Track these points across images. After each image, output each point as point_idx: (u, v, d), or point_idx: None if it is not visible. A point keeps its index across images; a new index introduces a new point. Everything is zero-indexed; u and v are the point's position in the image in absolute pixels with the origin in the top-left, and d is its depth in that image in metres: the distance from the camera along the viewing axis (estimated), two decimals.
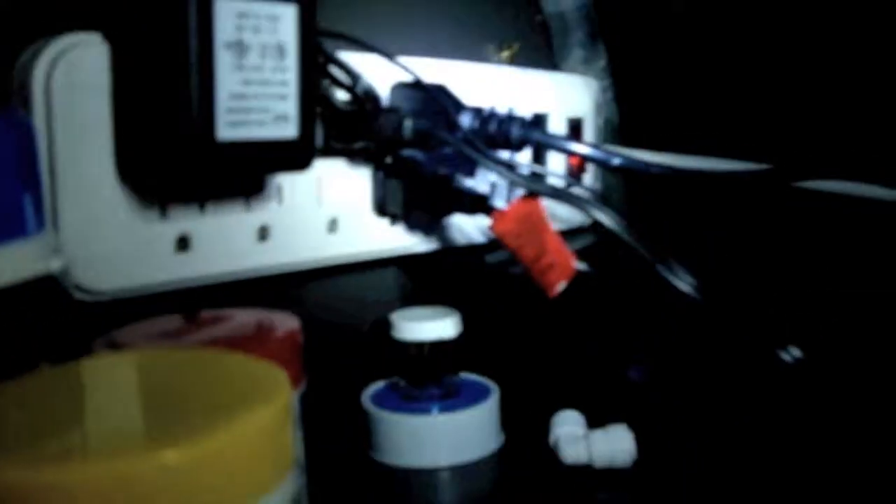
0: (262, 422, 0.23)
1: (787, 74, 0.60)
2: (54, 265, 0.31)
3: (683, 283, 0.42)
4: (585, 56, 0.73)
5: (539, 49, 0.70)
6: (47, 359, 0.30)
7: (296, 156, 0.40)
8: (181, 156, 0.36)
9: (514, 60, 0.64)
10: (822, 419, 0.43)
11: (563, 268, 0.45)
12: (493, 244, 0.59)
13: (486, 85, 0.59)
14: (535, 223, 0.45)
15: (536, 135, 0.47)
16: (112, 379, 0.28)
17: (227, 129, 0.37)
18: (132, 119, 0.38)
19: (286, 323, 0.37)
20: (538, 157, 0.60)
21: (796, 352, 0.41)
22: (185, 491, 0.21)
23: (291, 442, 0.25)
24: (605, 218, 0.42)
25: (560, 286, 0.46)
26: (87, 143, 0.39)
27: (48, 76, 0.37)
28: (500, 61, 0.64)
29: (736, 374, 0.47)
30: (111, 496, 0.20)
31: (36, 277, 0.30)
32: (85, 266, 0.39)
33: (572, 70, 0.72)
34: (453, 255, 0.59)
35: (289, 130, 0.40)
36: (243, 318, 0.38)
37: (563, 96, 0.66)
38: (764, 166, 0.46)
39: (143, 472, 0.21)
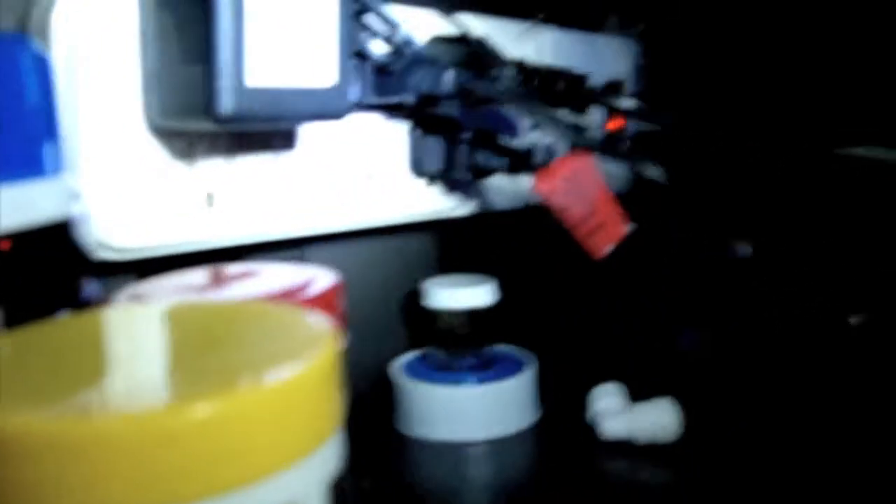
0: (307, 376, 0.21)
1: (817, 45, 0.58)
2: (73, 210, 0.29)
3: (742, 246, 0.40)
4: (622, 21, 0.70)
5: (577, 10, 0.67)
6: (67, 307, 0.28)
7: (332, 104, 0.38)
8: (212, 102, 0.34)
9: (551, 20, 0.61)
10: (887, 390, 0.40)
11: (612, 229, 0.43)
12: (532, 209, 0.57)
13: (523, 43, 0.57)
14: (584, 181, 0.42)
15: (582, 90, 0.44)
16: (139, 329, 0.25)
17: (261, 75, 0.35)
18: (161, 64, 0.36)
19: (324, 278, 0.35)
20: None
21: (859, 318, 0.38)
22: (218, 450, 0.19)
23: (337, 401, 0.22)
24: (659, 175, 0.40)
25: (607, 249, 0.43)
26: (113, 89, 0.37)
27: (72, 14, 0.35)
28: (536, 20, 0.61)
29: (792, 344, 0.45)
30: (134, 452, 0.18)
31: (54, 222, 0.27)
32: (108, 221, 0.37)
33: (610, 33, 0.69)
34: (492, 220, 0.57)
35: (326, 78, 0.37)
36: (277, 272, 0.36)
37: (601, 57, 0.63)
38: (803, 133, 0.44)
39: (171, 426, 0.18)
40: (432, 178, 0.50)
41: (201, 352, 0.22)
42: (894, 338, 0.39)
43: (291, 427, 0.20)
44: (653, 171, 0.39)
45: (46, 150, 0.27)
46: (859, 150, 0.44)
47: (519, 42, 0.55)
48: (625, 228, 0.43)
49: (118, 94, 0.37)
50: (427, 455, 0.48)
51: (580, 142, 0.42)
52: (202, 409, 0.18)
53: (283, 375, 0.20)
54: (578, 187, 0.43)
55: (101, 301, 0.30)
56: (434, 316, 0.51)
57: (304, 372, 0.21)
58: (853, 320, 0.38)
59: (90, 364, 0.22)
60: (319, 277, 0.34)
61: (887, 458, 0.40)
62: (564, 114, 0.43)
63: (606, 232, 0.43)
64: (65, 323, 0.25)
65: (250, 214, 0.42)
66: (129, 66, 0.37)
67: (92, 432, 0.18)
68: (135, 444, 0.18)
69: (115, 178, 0.37)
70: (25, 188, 0.26)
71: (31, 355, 0.22)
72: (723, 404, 0.48)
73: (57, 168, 0.28)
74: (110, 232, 0.37)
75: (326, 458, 0.21)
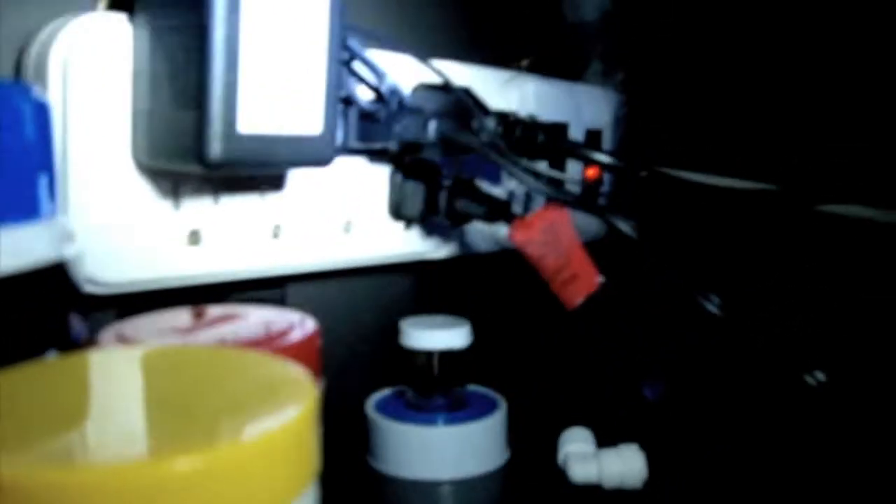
0: (287, 427, 0.22)
1: (804, 96, 0.59)
2: (68, 252, 0.29)
3: (707, 301, 0.41)
4: (604, 69, 0.72)
5: (558, 59, 0.69)
6: (55, 347, 0.28)
7: (319, 152, 0.39)
8: (202, 147, 0.35)
9: (533, 69, 0.62)
10: (845, 444, 0.42)
11: (585, 281, 0.44)
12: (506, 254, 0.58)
13: (506, 92, 0.58)
14: (559, 232, 0.44)
15: (563, 142, 0.45)
16: (123, 373, 0.26)
17: (250, 122, 0.36)
18: (152, 105, 0.37)
19: (303, 324, 0.36)
20: (556, 167, 0.59)
21: (820, 375, 0.40)
22: (198, 502, 0.19)
23: (315, 449, 0.23)
24: (630, 230, 0.41)
25: (581, 299, 0.45)
26: (104, 127, 0.38)
27: (67, 55, 0.36)
28: (518, 69, 0.63)
29: (756, 396, 0.46)
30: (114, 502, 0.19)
31: (47, 264, 0.28)
32: (95, 256, 0.38)
33: (591, 82, 0.71)
34: (468, 263, 0.58)
35: (313, 126, 0.38)
36: (258, 316, 0.37)
37: (582, 107, 0.65)
38: (784, 187, 0.45)
39: (152, 479, 0.19)
40: (411, 222, 0.51)
41: (184, 399, 0.23)
42: (853, 398, 0.41)
43: (271, 479, 0.21)
44: (624, 226, 0.40)
45: (42, 192, 0.28)
46: (839, 208, 0.45)
47: (503, 91, 0.56)
48: (597, 280, 0.45)
49: (108, 133, 0.38)
50: (398, 492, 0.49)
51: (558, 195, 0.44)
52: (184, 463, 0.19)
53: (263, 429, 0.21)
54: (554, 238, 0.44)
55: (88, 340, 0.31)
56: (409, 355, 0.52)
57: (283, 425, 0.22)
58: (811, 380, 0.40)
59: (75, 408, 0.23)
60: (298, 323, 0.35)
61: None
62: (543, 166, 0.45)
63: (580, 283, 0.44)
64: (51, 364, 0.26)
65: (235, 253, 0.43)
66: (120, 106, 0.38)
67: (74, 481, 0.18)
68: (115, 495, 0.18)
69: (102, 215, 0.38)
70: (21, 231, 0.27)
71: (15, 397, 0.23)
72: (686, 452, 0.49)
73: (52, 210, 0.29)
74: (97, 267, 0.38)
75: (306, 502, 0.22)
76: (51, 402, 0.23)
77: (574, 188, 0.51)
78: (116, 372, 0.26)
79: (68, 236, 0.30)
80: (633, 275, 0.49)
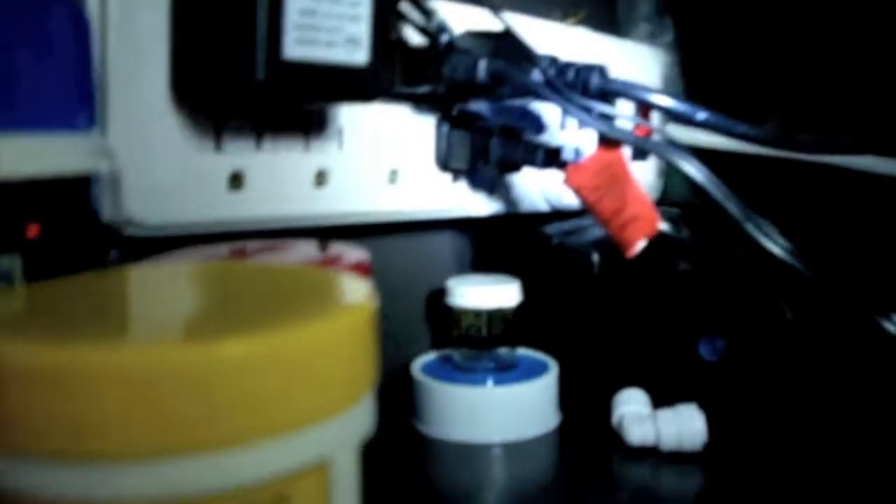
0: (344, 329, 0.20)
1: (855, 55, 0.57)
2: (102, 166, 0.28)
3: (776, 246, 0.39)
4: (652, 30, 0.70)
5: (606, 20, 0.67)
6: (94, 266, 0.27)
7: (365, 85, 0.37)
8: (246, 73, 0.33)
9: (584, 23, 0.60)
10: None
11: (645, 223, 0.42)
12: (556, 213, 0.56)
13: (556, 45, 0.56)
14: (616, 174, 0.42)
15: (617, 84, 0.43)
16: (170, 284, 0.24)
17: (296, 47, 0.34)
18: (192, 33, 0.35)
19: (353, 253, 0.34)
20: None
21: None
22: (247, 394, 0.18)
23: (373, 357, 0.21)
24: (695, 170, 0.39)
25: (641, 244, 0.42)
26: (142, 60, 0.36)
27: None
28: (571, 22, 0.61)
29: (822, 354, 0.44)
30: (155, 387, 0.17)
31: (84, 175, 0.27)
32: (134, 196, 0.36)
33: (639, 41, 0.68)
34: (517, 221, 0.56)
35: (359, 56, 0.36)
36: (304, 247, 0.35)
37: (631, 65, 0.63)
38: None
39: (197, 362, 0.17)
40: (458, 174, 0.50)
41: (234, 304, 0.22)
42: None
43: (326, 379, 0.19)
44: (693, 167, 0.38)
45: (80, 104, 0.27)
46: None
47: (551, 43, 0.54)
48: (658, 223, 0.42)
49: (148, 63, 0.36)
50: (444, 456, 0.47)
51: (616, 133, 0.41)
52: (232, 348, 0.17)
53: (319, 324, 0.19)
54: (610, 181, 0.42)
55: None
56: (456, 315, 0.50)
57: (340, 324, 0.20)
58: (891, 326, 0.37)
59: (119, 310, 0.21)
60: (347, 253, 0.34)
61: None
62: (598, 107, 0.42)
63: (639, 225, 0.42)
64: (94, 276, 0.25)
65: (277, 199, 0.42)
66: (161, 34, 0.36)
67: (109, 363, 0.17)
68: (156, 378, 0.17)
69: (140, 153, 0.36)
70: (58, 139, 0.26)
71: (60, 301, 0.21)
72: (746, 413, 0.46)
73: (90, 123, 0.27)
74: (136, 207, 0.36)
75: (360, 417, 0.21)
76: (91, 305, 0.21)
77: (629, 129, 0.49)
78: (162, 283, 0.24)
79: (105, 152, 0.28)
80: (693, 227, 0.47)
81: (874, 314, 0.37)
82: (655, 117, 0.62)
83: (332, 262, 0.32)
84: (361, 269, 0.32)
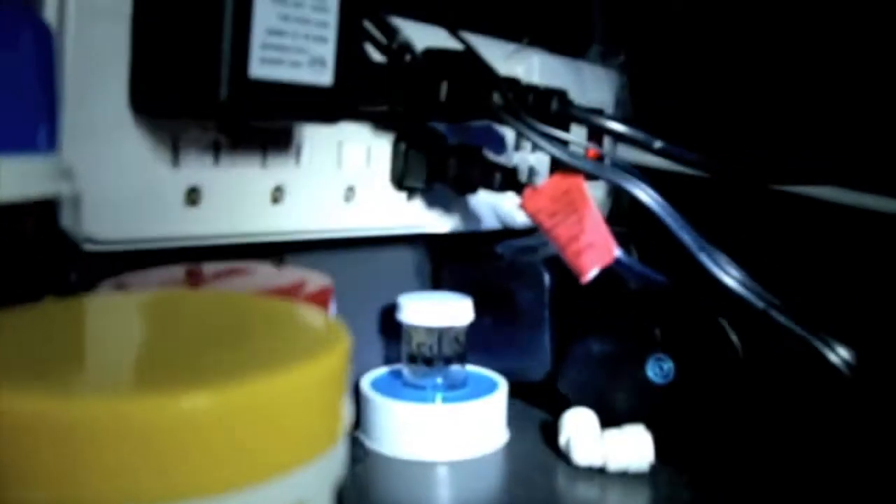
0: (324, 371, 0.20)
1: (801, 77, 0.58)
2: (64, 189, 0.27)
3: (729, 278, 0.40)
4: (604, 52, 0.71)
5: (562, 35, 0.67)
6: (52, 293, 0.26)
7: (329, 106, 0.37)
8: (209, 91, 0.33)
9: (537, 43, 0.61)
10: (866, 431, 0.40)
11: (601, 251, 0.42)
12: (510, 231, 0.56)
13: (511, 64, 0.56)
14: (573, 201, 0.42)
15: (576, 110, 0.44)
16: (132, 316, 0.24)
17: (261, 66, 0.34)
18: (154, 48, 0.35)
19: (315, 279, 0.33)
20: None
21: (845, 353, 0.38)
22: (224, 444, 0.17)
23: (347, 403, 0.21)
24: (651, 200, 0.39)
25: (595, 271, 0.43)
26: (100, 73, 0.35)
27: None
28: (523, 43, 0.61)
29: (770, 375, 0.45)
30: (131, 440, 0.16)
31: (44, 198, 0.26)
32: (90, 211, 0.35)
33: (593, 61, 0.69)
34: (471, 239, 0.56)
35: (324, 76, 0.36)
36: (264, 270, 0.34)
37: (586, 84, 0.63)
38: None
39: (164, 416, 0.17)
40: (414, 192, 0.50)
41: (201, 342, 0.21)
42: (880, 382, 0.39)
43: (303, 426, 0.19)
44: (648, 196, 0.39)
45: (43, 125, 0.26)
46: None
47: (508, 63, 0.54)
48: (614, 251, 0.43)
49: (105, 77, 0.35)
50: (390, 473, 0.47)
51: (576, 161, 0.42)
52: (207, 399, 0.17)
53: (295, 369, 0.19)
54: (567, 207, 0.42)
55: (84, 290, 0.29)
56: (408, 332, 0.51)
57: (318, 370, 0.20)
58: (835, 358, 0.38)
59: (83, 349, 0.21)
60: (310, 278, 0.33)
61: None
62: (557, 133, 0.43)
63: (595, 253, 0.42)
64: (54, 306, 0.24)
65: (234, 215, 0.41)
66: (119, 48, 0.36)
67: (88, 414, 0.16)
68: (133, 431, 0.16)
69: (96, 166, 0.36)
70: (19, 162, 0.25)
71: (19, 335, 0.21)
72: (692, 434, 0.47)
73: (52, 144, 0.27)
74: (93, 223, 0.35)
75: (336, 458, 0.20)
76: (55, 342, 0.21)
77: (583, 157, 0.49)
78: (124, 315, 0.24)
79: (66, 174, 0.28)
80: (643, 248, 0.47)
81: (818, 344, 0.38)
82: (606, 140, 0.62)
83: (295, 289, 0.32)
84: (324, 295, 0.32)
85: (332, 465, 0.20)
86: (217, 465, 0.17)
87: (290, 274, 0.34)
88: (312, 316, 0.23)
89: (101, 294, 0.27)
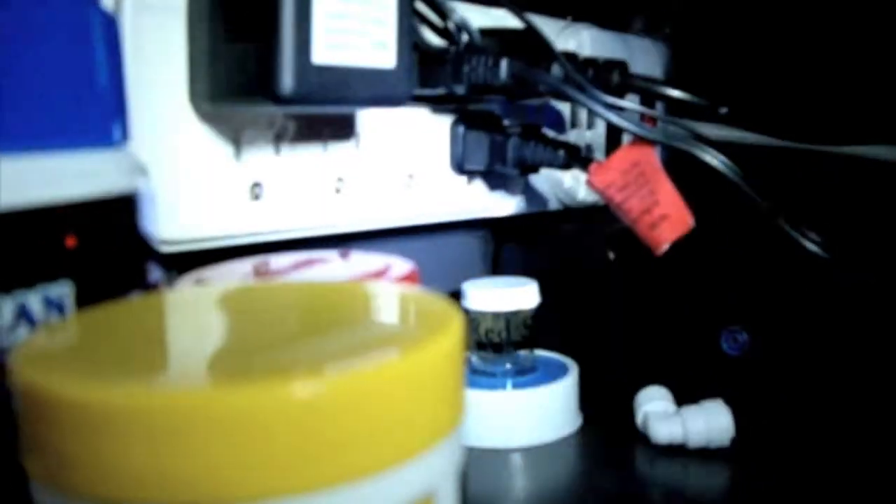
0: (443, 351, 0.19)
1: (851, 48, 0.57)
2: (141, 184, 0.27)
3: (805, 238, 0.38)
4: (648, 23, 0.69)
5: (605, 12, 0.66)
6: (135, 289, 0.26)
7: (393, 89, 0.36)
8: (273, 79, 0.32)
9: (586, 18, 0.60)
10: None
11: (677, 221, 0.41)
12: (570, 212, 0.55)
13: (561, 40, 0.55)
14: (644, 172, 0.41)
15: (639, 80, 0.42)
16: (226, 308, 0.23)
17: (325, 51, 0.33)
18: (214, 40, 0.34)
19: (400, 264, 0.33)
20: None
21: None
22: (340, 433, 0.16)
23: (462, 387, 0.20)
24: (722, 164, 0.38)
25: (670, 242, 0.41)
26: (159, 68, 0.35)
27: None
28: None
29: (852, 345, 0.43)
30: (244, 432, 0.15)
31: (123, 194, 0.25)
32: (160, 210, 0.35)
33: (639, 34, 0.68)
34: (534, 221, 0.55)
35: (387, 59, 0.35)
36: (335, 262, 0.34)
37: (635, 57, 0.62)
38: None
39: (264, 406, 0.16)
40: (474, 175, 0.49)
41: (304, 331, 0.20)
42: None
43: (426, 408, 0.18)
44: (719, 161, 0.37)
45: (117, 119, 0.25)
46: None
47: (559, 39, 0.53)
48: (690, 220, 0.42)
49: (163, 74, 0.35)
50: (465, 462, 0.46)
51: (646, 131, 0.41)
52: (323, 387, 0.16)
53: (415, 349, 0.18)
54: (638, 178, 0.41)
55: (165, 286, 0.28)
56: (473, 318, 0.50)
57: (438, 350, 0.19)
58: None
59: (179, 342, 0.20)
60: (393, 263, 0.32)
61: None
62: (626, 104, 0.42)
63: (670, 223, 0.41)
64: (141, 302, 0.23)
65: (297, 208, 0.40)
66: (175, 42, 0.35)
67: (198, 408, 0.15)
68: (245, 423, 0.16)
69: (159, 164, 0.35)
70: (93, 157, 0.24)
71: (112, 331, 0.20)
72: (773, 406, 0.46)
73: (124, 140, 0.26)
74: (165, 223, 0.35)
75: (458, 444, 0.20)
76: (148, 335, 0.20)
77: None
78: (218, 308, 0.23)
79: (140, 169, 0.27)
80: (716, 214, 0.46)
81: None
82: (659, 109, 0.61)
83: (382, 273, 0.31)
84: (413, 277, 0.31)
85: (454, 451, 0.19)
86: (350, 450, 0.16)
87: (369, 260, 0.33)
88: (417, 295, 0.22)
89: (183, 290, 0.26)
